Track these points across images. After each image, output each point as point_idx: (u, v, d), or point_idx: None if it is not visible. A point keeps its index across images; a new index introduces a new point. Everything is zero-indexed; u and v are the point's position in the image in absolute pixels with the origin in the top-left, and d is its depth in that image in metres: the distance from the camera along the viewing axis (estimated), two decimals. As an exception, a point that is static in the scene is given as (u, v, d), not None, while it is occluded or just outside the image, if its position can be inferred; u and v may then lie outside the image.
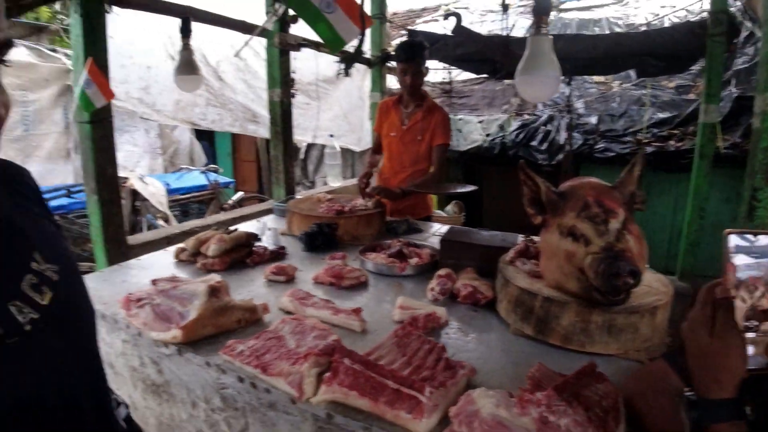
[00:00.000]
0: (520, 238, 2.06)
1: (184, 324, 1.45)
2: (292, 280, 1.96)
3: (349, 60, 2.93)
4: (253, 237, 2.27)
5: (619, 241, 1.34)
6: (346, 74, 2.97)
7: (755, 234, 0.76)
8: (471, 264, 1.91)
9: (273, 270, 1.96)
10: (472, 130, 5.94)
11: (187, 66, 3.00)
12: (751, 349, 0.80)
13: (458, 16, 3.32)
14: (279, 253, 2.24)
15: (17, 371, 0.63)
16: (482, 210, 6.30)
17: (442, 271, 1.81)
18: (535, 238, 1.93)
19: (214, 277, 1.65)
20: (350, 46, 2.60)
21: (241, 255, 2.17)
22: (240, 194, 6.13)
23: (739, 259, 0.75)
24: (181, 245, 2.24)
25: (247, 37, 3.97)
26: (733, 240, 0.75)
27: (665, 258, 5.73)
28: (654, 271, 1.76)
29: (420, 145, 3.00)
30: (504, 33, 3.82)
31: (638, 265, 1.36)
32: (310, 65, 4.04)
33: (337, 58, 4.61)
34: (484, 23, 7.66)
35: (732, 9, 6.46)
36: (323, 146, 6.84)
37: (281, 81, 3.45)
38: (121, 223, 2.76)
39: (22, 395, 0.62)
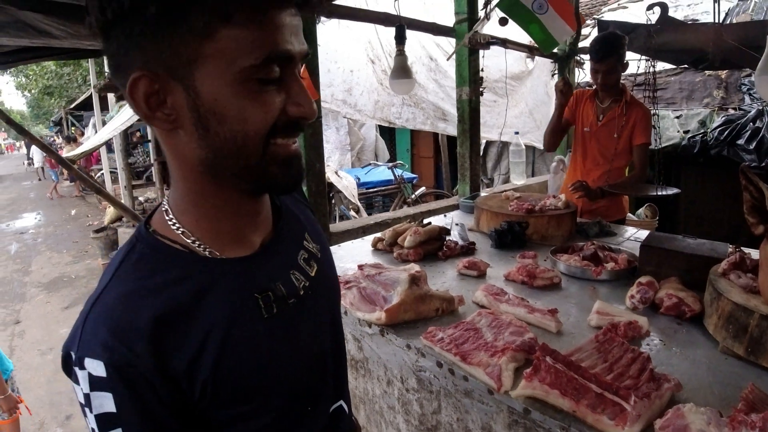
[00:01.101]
0: (729, 248, 1.89)
1: (388, 307, 1.60)
2: (483, 276, 2.03)
3: (563, 60, 2.87)
4: (445, 231, 2.38)
5: None
6: (561, 75, 2.91)
7: None
8: (674, 273, 1.81)
9: (465, 264, 2.04)
10: (668, 126, 5.43)
11: (401, 71, 3.20)
12: None
13: (664, 6, 3.06)
14: (469, 248, 2.33)
15: (295, 326, 0.79)
16: (679, 215, 5.75)
17: (643, 279, 1.74)
18: (746, 250, 1.76)
19: (414, 267, 1.78)
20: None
21: (434, 247, 2.29)
22: (422, 189, 6.39)
23: None
24: (378, 235, 2.43)
25: (439, 39, 4.12)
26: None
27: None
28: None
29: (617, 142, 2.85)
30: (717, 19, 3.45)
31: None
32: (498, 62, 4.05)
33: (523, 55, 4.57)
34: (679, 8, 6.96)
35: None
36: (501, 143, 6.81)
37: (470, 79, 3.52)
38: (326, 213, 3.05)
39: (292, 348, 0.78)
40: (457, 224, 2.77)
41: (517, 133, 3.89)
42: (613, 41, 2.78)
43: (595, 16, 6.72)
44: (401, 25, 3.16)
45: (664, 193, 2.40)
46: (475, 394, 1.36)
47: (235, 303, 0.71)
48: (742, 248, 1.75)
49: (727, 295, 1.44)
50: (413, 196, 6.09)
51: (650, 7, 2.99)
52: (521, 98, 4.90)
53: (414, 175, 7.25)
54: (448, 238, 2.39)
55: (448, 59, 3.56)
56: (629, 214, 4.04)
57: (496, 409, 1.31)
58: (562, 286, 1.92)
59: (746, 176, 1.39)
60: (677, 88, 6.17)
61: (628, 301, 1.68)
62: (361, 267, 1.89)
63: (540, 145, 5.22)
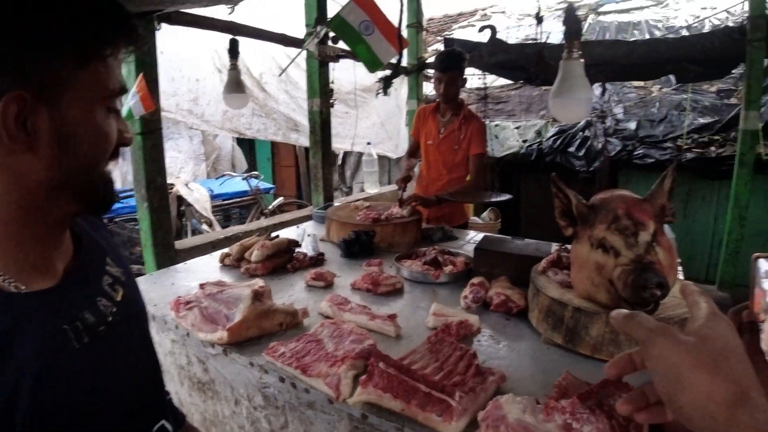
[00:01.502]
0: (555, 246, 2.10)
1: (230, 326, 1.55)
2: (330, 286, 2.05)
3: (387, 80, 3.00)
4: (294, 243, 2.37)
5: (649, 253, 1.37)
6: (385, 93, 3.03)
7: None
8: (504, 273, 1.96)
9: (312, 276, 2.05)
10: (509, 136, 5.93)
11: (234, 85, 3.17)
12: None
13: (493, 29, 3.36)
14: (318, 259, 2.34)
15: (108, 352, 0.79)
16: (519, 217, 6.29)
17: (475, 280, 1.86)
18: (569, 247, 1.96)
19: (258, 282, 1.75)
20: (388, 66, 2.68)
21: (283, 260, 2.27)
22: (280, 200, 6.29)
23: None
24: (225, 250, 2.36)
25: (290, 50, 4.11)
26: (763, 265, 0.75)
27: (706, 267, 5.61)
28: (688, 282, 1.78)
29: (456, 153, 3.06)
30: (540, 40, 3.82)
31: (667, 277, 1.39)
32: (349, 75, 4.15)
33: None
34: (521, 27, 7.65)
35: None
36: (360, 152, 6.95)
37: (320, 91, 3.55)
38: (170, 229, 2.90)
39: (109, 375, 0.78)
40: (309, 235, 2.78)
41: (369, 143, 4.00)
42: (456, 56, 3.05)
43: (444, 34, 7.12)
44: (234, 39, 3.13)
45: (496, 199, 2.60)
46: (317, 404, 1.36)
47: (45, 337, 0.69)
48: (567, 246, 1.94)
49: (544, 290, 1.59)
50: (270, 207, 6.00)
51: (481, 29, 3.25)
52: (373, 110, 5.04)
53: (271, 185, 7.13)
54: (297, 250, 2.38)
55: (280, 74, 3.57)
56: (474, 218, 4.32)
57: (338, 418, 1.33)
58: (405, 291, 1.99)
59: (556, 185, 1.55)
60: (517, 102, 6.74)
61: (462, 302, 1.79)
62: (202, 286, 1.81)
63: (392, 155, 5.42)
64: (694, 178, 5.45)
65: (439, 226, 2.75)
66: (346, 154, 7.50)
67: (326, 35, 3.00)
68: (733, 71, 4.81)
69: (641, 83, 6.44)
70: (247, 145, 10.43)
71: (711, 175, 5.28)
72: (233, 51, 3.13)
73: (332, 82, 3.66)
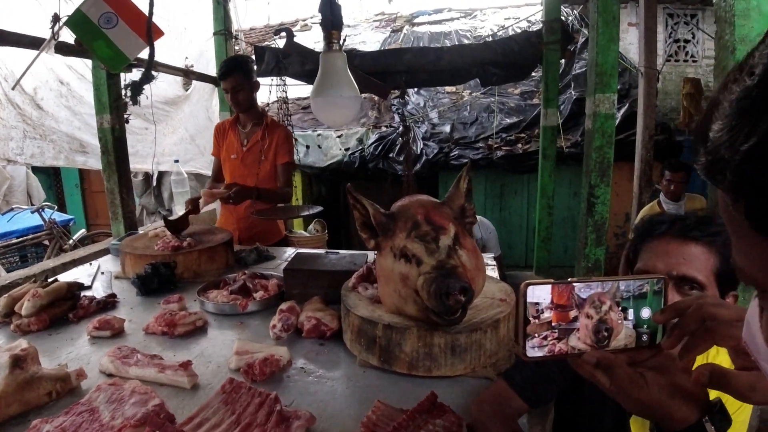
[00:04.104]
0: (373, 256, 2.00)
1: (-22, 406, 1.21)
2: (120, 334, 1.74)
3: (136, 85, 2.67)
4: (77, 287, 2.01)
5: (451, 257, 1.31)
6: (134, 102, 2.72)
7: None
8: (319, 292, 1.82)
9: (96, 325, 1.71)
10: (332, 145, 5.90)
11: None
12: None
13: (289, 32, 3.24)
14: (108, 302, 1.99)
15: None
16: (349, 226, 6.28)
17: (284, 305, 1.68)
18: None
19: (21, 344, 1.41)
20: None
21: (63, 309, 1.89)
22: (82, 232, 5.54)
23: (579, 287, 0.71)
24: (-9, 304, 1.92)
25: (72, 60, 3.60)
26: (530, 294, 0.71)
27: (524, 253, 6.08)
28: (497, 279, 1.78)
29: (264, 165, 2.86)
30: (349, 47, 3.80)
31: (473, 279, 1.34)
32: (149, 86, 3.72)
33: (179, 79, 4.35)
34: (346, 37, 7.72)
35: (570, 17, 7.09)
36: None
37: (111, 105, 3.14)
38: None
39: None
40: (102, 273, 2.41)
41: (177, 161, 3.63)
42: (235, 60, 2.93)
43: (256, 44, 6.90)
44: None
45: (308, 212, 2.45)
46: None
47: None
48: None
49: (354, 309, 1.47)
50: (71, 241, 5.25)
51: (277, 32, 3.12)
52: (179, 124, 4.61)
53: (70, 217, 6.25)
54: (86, 293, 2.02)
55: (13, 88, 3.07)
56: (300, 231, 4.17)
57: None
58: (210, 328, 1.76)
59: (352, 195, 1.44)
60: (336, 109, 6.73)
61: (271, 332, 1.61)
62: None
63: (206, 172, 5.04)
64: (506, 173, 5.87)
65: (254, 247, 2.54)
66: (162, 175, 6.90)
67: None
68: (533, 73, 5.26)
69: (453, 89, 6.83)
70: (51, 170, 9.21)
71: (520, 170, 5.73)
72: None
73: (125, 95, 3.27)
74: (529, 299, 0.68)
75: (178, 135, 4.58)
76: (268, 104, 4.87)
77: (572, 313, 0.69)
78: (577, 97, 5.90)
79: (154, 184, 6.58)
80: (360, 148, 5.91)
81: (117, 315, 1.87)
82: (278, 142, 2.87)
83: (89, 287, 2.24)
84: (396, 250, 1.35)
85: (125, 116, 3.28)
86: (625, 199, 5.60)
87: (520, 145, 5.82)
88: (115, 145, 3.12)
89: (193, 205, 2.53)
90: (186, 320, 1.68)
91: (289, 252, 2.62)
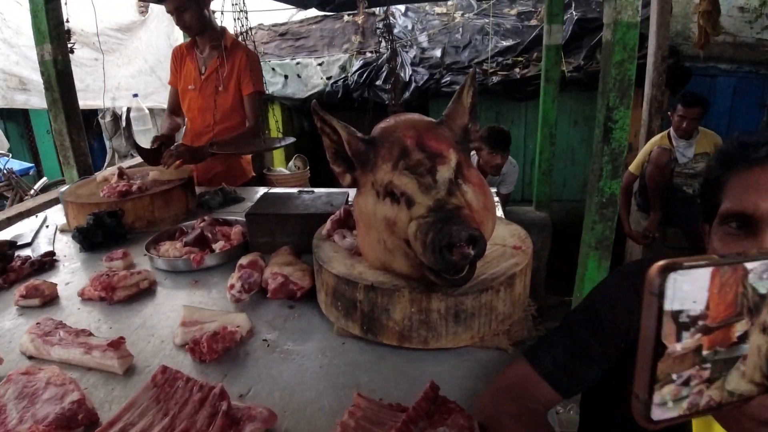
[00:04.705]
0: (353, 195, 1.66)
1: None
2: (52, 302, 1.41)
3: None
4: (8, 245, 1.67)
5: (452, 195, 0.97)
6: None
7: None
8: (288, 241, 1.49)
9: (22, 292, 1.38)
10: (312, 74, 5.42)
11: None
12: None
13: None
14: (44, 262, 1.65)
15: None
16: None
17: (244, 259, 1.35)
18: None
19: None
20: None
21: (-6, 272, 1.56)
22: (43, 180, 5.11)
23: None
24: None
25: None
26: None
27: (521, 187, 5.75)
28: (508, 220, 1.45)
29: (224, 96, 2.43)
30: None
31: (481, 223, 1.01)
32: (91, 11, 3.23)
33: (134, 3, 3.85)
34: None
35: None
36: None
37: (51, 34, 2.69)
38: None
39: None
40: (47, 226, 2.07)
41: (136, 95, 3.20)
42: None
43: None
44: None
45: (280, 144, 2.08)
46: None
47: None
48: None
49: (327, 265, 1.14)
50: (35, 189, 4.83)
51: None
52: (137, 54, 4.08)
53: (30, 165, 5.77)
54: (18, 253, 1.69)
55: None
56: (280, 168, 3.80)
57: None
58: (159, 290, 1.43)
59: (320, 116, 1.09)
60: (318, 36, 6.21)
61: (229, 294, 1.28)
62: None
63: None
64: (502, 101, 5.47)
65: (218, 188, 2.18)
66: (130, 111, 6.40)
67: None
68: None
69: (443, 9, 6.30)
70: (21, 115, 8.65)
71: (517, 97, 5.33)
72: None
73: (67, 21, 2.81)
74: (668, 304, 0.34)
75: (135, 66, 4.07)
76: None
77: (739, 327, 0.35)
78: (579, 17, 5.43)
79: (124, 124, 6.09)
80: (343, 76, 5.43)
81: (54, 278, 1.55)
82: (241, 68, 2.42)
83: (29, 244, 1.90)
84: (379, 186, 1.01)
85: (69, 45, 2.83)
86: (630, 127, 5.23)
87: (517, 70, 5.38)
88: (59, 79, 2.68)
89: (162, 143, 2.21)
90: (127, 282, 1.35)
91: (261, 192, 2.27)
